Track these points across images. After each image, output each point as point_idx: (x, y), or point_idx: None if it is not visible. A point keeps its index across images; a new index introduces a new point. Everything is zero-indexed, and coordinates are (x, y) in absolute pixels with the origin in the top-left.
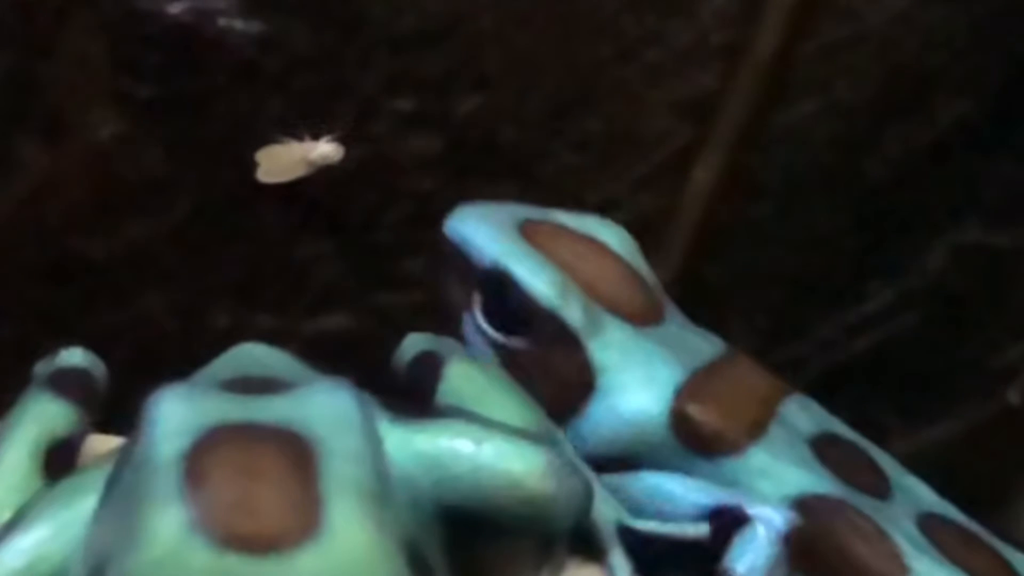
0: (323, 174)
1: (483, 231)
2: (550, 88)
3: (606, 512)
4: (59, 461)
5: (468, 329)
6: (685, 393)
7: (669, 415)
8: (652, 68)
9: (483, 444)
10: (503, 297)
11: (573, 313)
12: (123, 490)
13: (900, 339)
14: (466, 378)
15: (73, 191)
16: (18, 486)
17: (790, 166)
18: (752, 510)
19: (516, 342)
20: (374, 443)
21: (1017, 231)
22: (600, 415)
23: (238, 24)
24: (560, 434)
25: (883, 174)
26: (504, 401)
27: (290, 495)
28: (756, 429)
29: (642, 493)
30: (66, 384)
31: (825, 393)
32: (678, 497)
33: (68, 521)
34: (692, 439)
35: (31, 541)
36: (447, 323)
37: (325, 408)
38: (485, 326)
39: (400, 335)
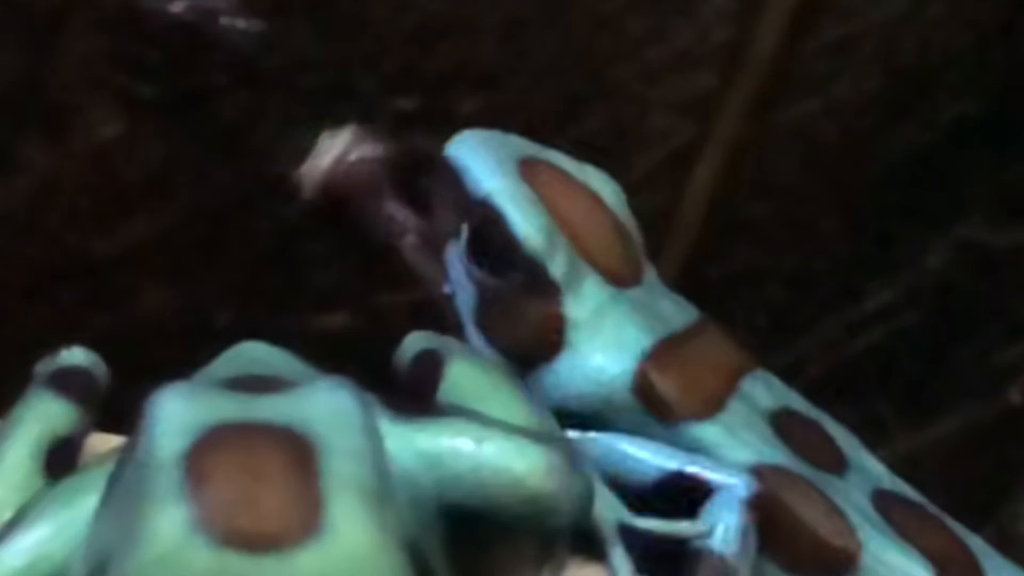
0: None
1: (482, 161)
2: (551, 87)
3: (607, 511)
4: (60, 460)
5: (451, 256)
6: (651, 359)
7: (633, 379)
8: (653, 67)
9: (484, 443)
10: (489, 233)
11: (556, 264)
12: (124, 489)
13: (901, 338)
14: (467, 377)
15: (74, 190)
16: (19, 485)
17: (791, 165)
18: (713, 476)
19: (494, 280)
20: (375, 442)
21: (1017, 230)
22: (566, 371)
23: (239, 23)
24: (561, 432)
25: (883, 173)
26: (505, 400)
27: (291, 494)
28: (716, 401)
29: (602, 452)
30: (67, 383)
31: (826, 392)
32: (638, 459)
33: (69, 520)
34: (653, 405)
35: (32, 540)
36: (432, 244)
37: (326, 407)
38: (467, 258)
39: (401, 334)
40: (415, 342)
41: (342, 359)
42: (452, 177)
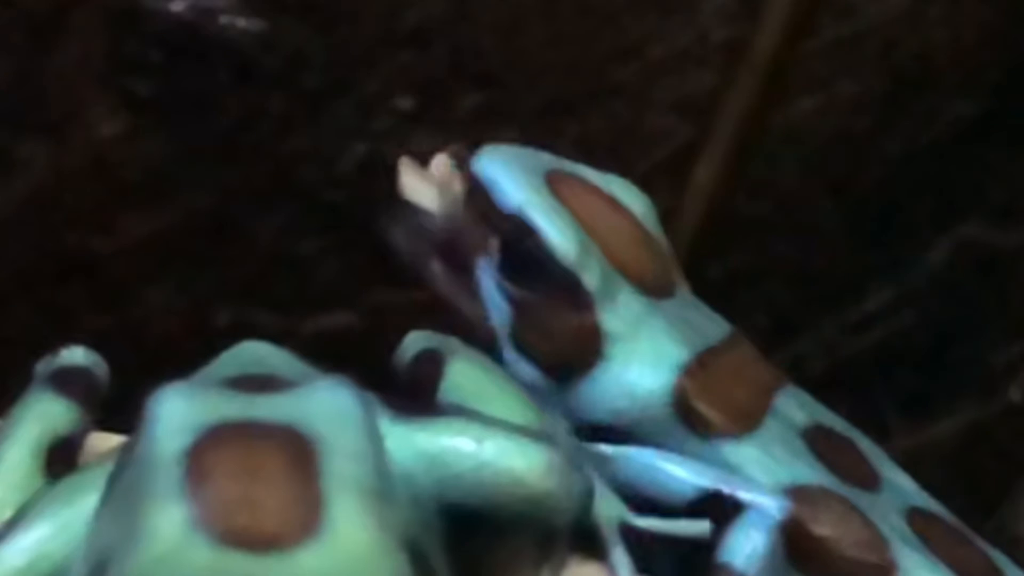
0: (324, 172)
1: (511, 174)
2: (551, 87)
3: (607, 510)
4: (60, 459)
5: (481, 272)
6: (689, 374)
7: (671, 394)
8: (653, 66)
9: (484, 442)
10: (522, 246)
11: (591, 275)
12: (124, 488)
13: (901, 337)
14: (467, 376)
15: (75, 189)
16: (19, 484)
17: (791, 164)
18: (747, 496)
19: (528, 294)
20: (375, 441)
21: (1018, 228)
22: (604, 384)
23: (239, 22)
24: (560, 432)
25: (884, 172)
26: (505, 399)
27: (291, 493)
28: (752, 418)
29: (636, 468)
30: (68, 383)
31: (826, 391)
32: (672, 475)
33: (69, 519)
34: (691, 420)
35: (32, 539)
36: (458, 259)
37: (326, 406)
38: (499, 273)
39: (401, 333)
40: (415, 341)
41: (342, 359)
42: (480, 192)
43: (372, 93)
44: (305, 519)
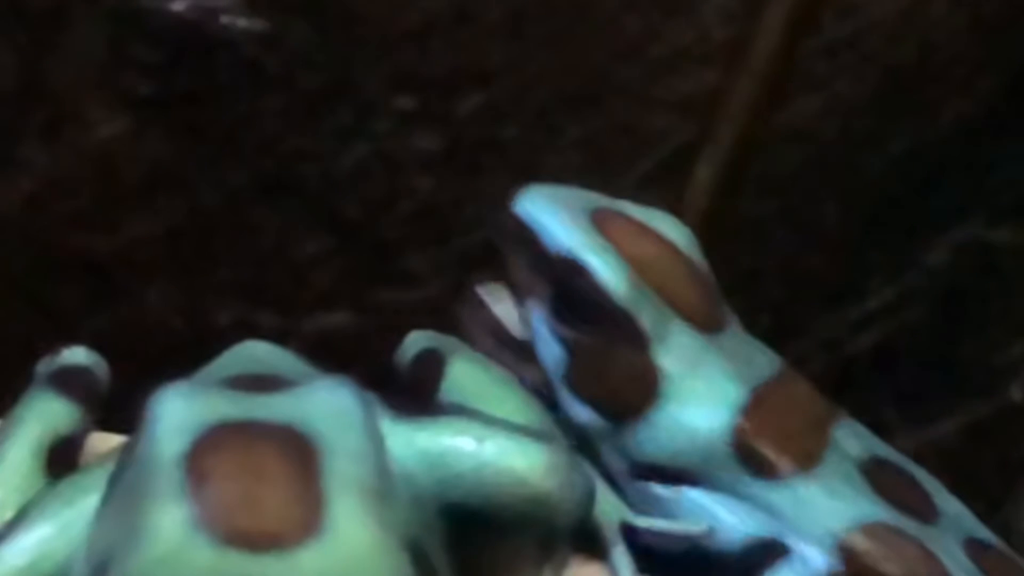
0: (325, 172)
1: (556, 215)
2: (551, 86)
3: (608, 510)
4: (61, 459)
5: (532, 316)
6: (747, 413)
7: (730, 434)
8: (654, 66)
9: (485, 442)
10: (574, 288)
11: (646, 314)
12: (125, 488)
13: (902, 336)
14: (468, 376)
15: (75, 189)
16: (20, 485)
17: (792, 163)
18: (796, 546)
19: (581, 336)
20: (376, 441)
21: (1018, 228)
22: (661, 426)
23: (240, 22)
24: (560, 432)
25: (884, 171)
26: (506, 398)
27: (292, 493)
28: (812, 454)
29: (690, 511)
30: (68, 382)
31: (826, 391)
32: (727, 522)
33: (70, 519)
34: (752, 461)
35: (33, 539)
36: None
37: (327, 406)
38: (551, 316)
39: (402, 333)
40: (416, 341)
41: (343, 357)
42: (525, 235)
43: (372, 93)
44: (306, 519)
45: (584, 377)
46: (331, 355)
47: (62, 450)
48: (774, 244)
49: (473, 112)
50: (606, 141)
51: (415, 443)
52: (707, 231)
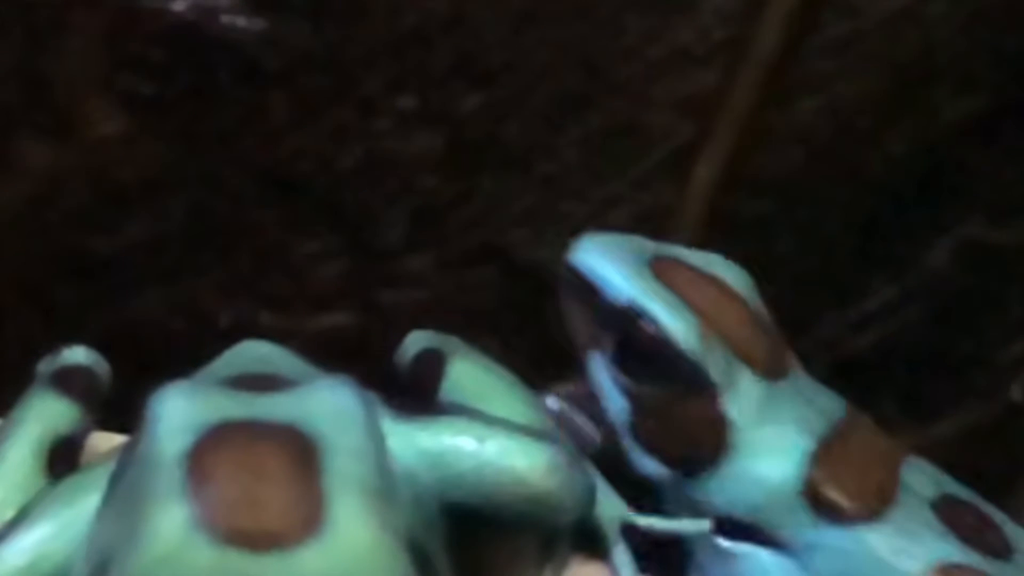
0: (325, 172)
1: (615, 266)
2: (552, 85)
3: (609, 509)
4: (62, 459)
5: (595, 367)
6: (817, 460)
7: (802, 483)
8: (654, 65)
9: (486, 441)
10: (639, 339)
11: (714, 363)
12: (126, 488)
13: (903, 336)
14: (469, 375)
15: (75, 189)
16: (21, 484)
17: (792, 163)
18: None
19: (647, 388)
20: (377, 440)
21: (1019, 227)
22: (732, 477)
23: (240, 22)
24: (560, 432)
25: (885, 171)
26: (507, 398)
27: (293, 492)
28: (885, 497)
29: (761, 571)
30: (69, 382)
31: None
32: None
33: (71, 519)
34: (825, 508)
35: (34, 539)
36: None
37: (328, 405)
38: (615, 368)
39: (402, 333)
40: (416, 341)
41: (344, 357)
42: (585, 288)
43: (372, 93)
44: (307, 518)
45: (651, 429)
46: (332, 355)
47: (62, 450)
48: (774, 244)
49: (473, 112)
50: (606, 141)
51: (416, 442)
52: (707, 230)
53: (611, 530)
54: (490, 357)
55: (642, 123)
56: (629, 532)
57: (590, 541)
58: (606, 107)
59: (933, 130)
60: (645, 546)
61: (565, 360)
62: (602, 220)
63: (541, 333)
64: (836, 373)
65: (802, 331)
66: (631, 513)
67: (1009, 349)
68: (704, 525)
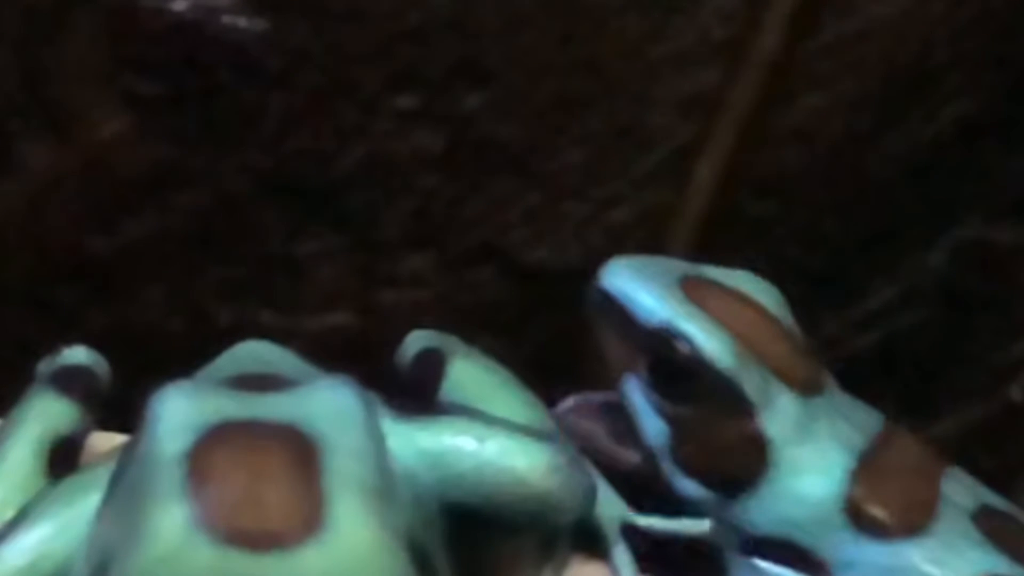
0: (325, 172)
1: (647, 288)
2: (552, 85)
3: (609, 509)
4: (62, 459)
5: (630, 389)
6: (858, 477)
7: (843, 500)
8: (654, 65)
9: (486, 441)
10: (674, 361)
11: (750, 382)
12: (126, 488)
13: (903, 336)
14: (469, 375)
15: (76, 189)
16: (21, 484)
17: (792, 163)
18: None
19: (685, 409)
20: (377, 440)
21: (1018, 228)
22: (773, 497)
23: (241, 21)
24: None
25: (885, 171)
26: (507, 398)
27: (293, 492)
28: (927, 511)
29: None
30: (69, 382)
31: None
32: None
33: (71, 519)
34: (867, 524)
35: (34, 539)
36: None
37: (328, 405)
38: (651, 390)
39: (403, 333)
40: (417, 341)
41: (345, 357)
42: (617, 310)
43: (372, 93)
44: (307, 518)
45: (690, 451)
46: (332, 355)
47: (63, 450)
48: (774, 244)
49: (474, 111)
50: (607, 140)
51: (416, 442)
52: (707, 231)
53: (611, 530)
54: (490, 357)
55: (642, 123)
56: (629, 532)
57: (590, 541)
58: (606, 107)
59: (933, 130)
60: (645, 546)
61: (565, 360)
62: (602, 220)
63: (541, 333)
64: (836, 373)
65: (803, 331)
66: (631, 513)
67: (1009, 349)
68: (704, 525)
